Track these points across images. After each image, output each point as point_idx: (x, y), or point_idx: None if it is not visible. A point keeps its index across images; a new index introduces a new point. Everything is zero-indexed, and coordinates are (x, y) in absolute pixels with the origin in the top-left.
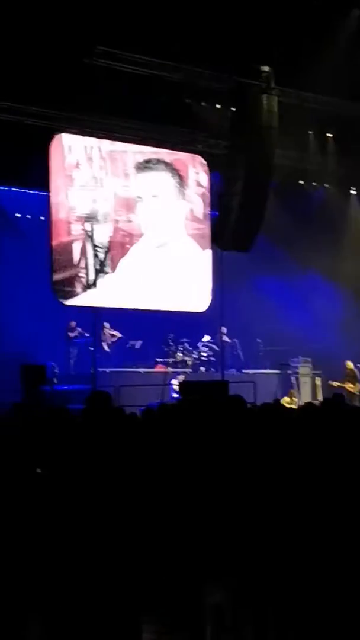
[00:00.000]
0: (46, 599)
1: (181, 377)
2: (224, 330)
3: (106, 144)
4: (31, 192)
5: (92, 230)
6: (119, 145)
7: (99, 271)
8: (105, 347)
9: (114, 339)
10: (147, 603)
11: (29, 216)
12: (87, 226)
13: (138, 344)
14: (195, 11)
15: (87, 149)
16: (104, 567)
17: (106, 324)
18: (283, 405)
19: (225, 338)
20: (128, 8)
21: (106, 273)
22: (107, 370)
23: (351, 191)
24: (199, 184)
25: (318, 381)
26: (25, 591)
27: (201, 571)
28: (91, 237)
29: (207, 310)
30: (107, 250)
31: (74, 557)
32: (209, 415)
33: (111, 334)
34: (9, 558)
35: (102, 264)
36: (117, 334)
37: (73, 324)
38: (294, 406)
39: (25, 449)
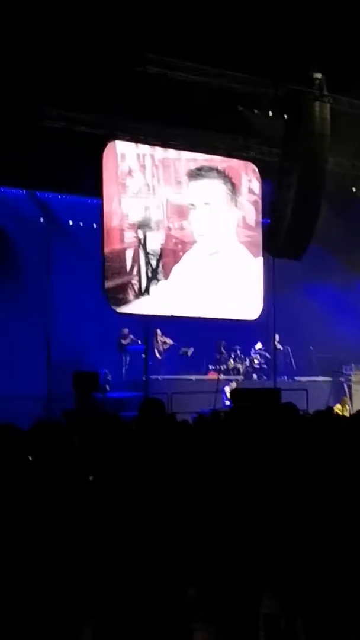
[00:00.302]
0: (99, 604)
1: (234, 385)
2: (277, 337)
3: (159, 152)
4: (84, 199)
5: (144, 238)
6: (171, 153)
7: (152, 278)
8: (157, 355)
9: (166, 347)
10: (199, 610)
11: (81, 223)
12: (140, 233)
13: (190, 351)
14: (248, 18)
15: (139, 157)
16: (157, 573)
17: (159, 331)
18: (337, 414)
19: (278, 345)
20: (180, 15)
21: (159, 280)
22: (160, 377)
23: None
24: (251, 191)
25: None
26: (78, 595)
27: (256, 579)
28: (144, 245)
29: (258, 317)
30: (160, 258)
31: (128, 562)
32: (261, 422)
33: (163, 341)
34: (63, 564)
35: (155, 271)
36: (170, 341)
37: (126, 331)
38: (346, 414)
39: (77, 456)
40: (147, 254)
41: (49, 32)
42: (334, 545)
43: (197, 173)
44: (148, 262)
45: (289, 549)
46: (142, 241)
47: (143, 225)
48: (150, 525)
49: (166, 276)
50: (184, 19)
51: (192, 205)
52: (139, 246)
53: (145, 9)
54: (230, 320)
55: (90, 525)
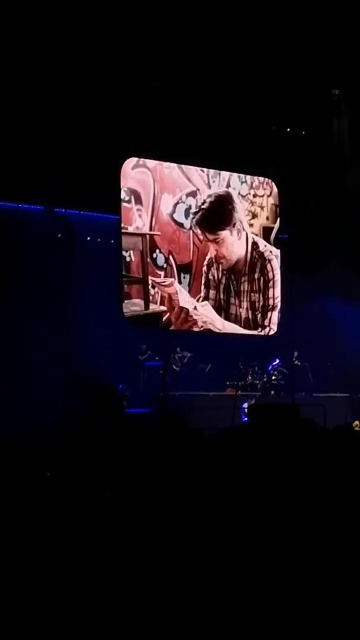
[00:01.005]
0: (113, 621)
1: (253, 402)
2: (295, 353)
3: (177, 169)
4: (102, 215)
5: (163, 254)
6: (190, 170)
7: (171, 295)
8: (175, 367)
9: (184, 360)
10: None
11: (99, 239)
12: (158, 250)
13: (207, 367)
14: (265, 34)
15: (158, 173)
16: (178, 592)
17: (178, 349)
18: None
19: (297, 362)
20: (200, 35)
21: (178, 297)
22: (177, 393)
23: None
24: (269, 208)
25: None
26: (92, 612)
27: (269, 596)
28: (163, 261)
29: (276, 333)
30: (179, 274)
31: (147, 583)
32: (279, 438)
33: (181, 355)
34: (80, 581)
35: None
36: (187, 353)
37: (144, 347)
38: None
39: (95, 472)
40: (165, 270)
41: (64, 53)
42: (353, 564)
43: (216, 190)
44: (167, 278)
45: (303, 567)
46: (161, 257)
47: (161, 241)
48: (167, 542)
49: (185, 292)
50: (204, 37)
51: (211, 222)
52: (156, 262)
53: (160, 31)
54: (248, 336)
55: (108, 542)
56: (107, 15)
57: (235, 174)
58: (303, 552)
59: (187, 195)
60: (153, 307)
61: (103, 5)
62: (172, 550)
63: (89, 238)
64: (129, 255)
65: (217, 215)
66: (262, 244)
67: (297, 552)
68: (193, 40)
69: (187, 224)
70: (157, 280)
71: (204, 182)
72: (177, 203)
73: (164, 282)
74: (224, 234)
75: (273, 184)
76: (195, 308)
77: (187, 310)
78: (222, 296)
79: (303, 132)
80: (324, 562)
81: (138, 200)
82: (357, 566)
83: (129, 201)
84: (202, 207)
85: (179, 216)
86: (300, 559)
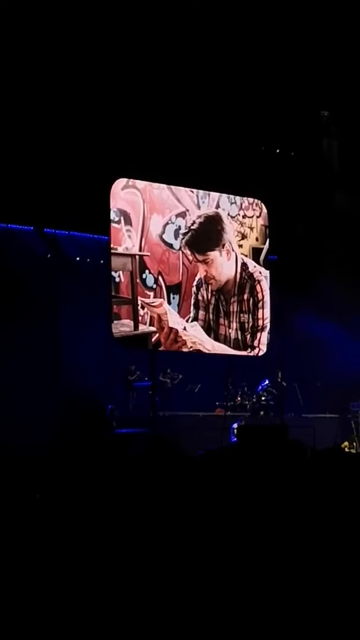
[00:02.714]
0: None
1: (243, 423)
2: (279, 374)
3: (167, 190)
4: (92, 236)
5: (152, 275)
6: (180, 191)
7: (160, 315)
8: (163, 379)
9: (174, 382)
10: None
11: (89, 259)
12: (147, 271)
13: (197, 388)
14: (255, 61)
15: (147, 194)
16: (174, 612)
17: (168, 370)
18: (346, 451)
19: (279, 380)
20: (191, 54)
21: (168, 317)
22: (167, 413)
23: None
24: (258, 228)
25: None
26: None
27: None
28: (153, 282)
29: (265, 353)
30: (168, 295)
31: (140, 603)
32: (267, 460)
33: (171, 376)
34: (74, 608)
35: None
36: (177, 375)
37: (132, 367)
38: (353, 451)
39: (85, 494)
40: (154, 290)
41: (54, 75)
42: (342, 587)
43: (205, 210)
44: (156, 299)
45: (293, 586)
46: (150, 278)
47: (151, 262)
48: (157, 561)
49: (174, 312)
50: (195, 58)
51: (201, 243)
52: (146, 283)
53: (150, 54)
54: (238, 356)
55: (100, 561)
56: (99, 38)
57: (224, 195)
58: (293, 572)
59: (177, 215)
60: (142, 328)
61: (95, 30)
62: (163, 568)
63: (78, 258)
64: (119, 276)
65: (206, 236)
66: (252, 265)
67: (287, 572)
68: (182, 63)
69: (176, 244)
70: (147, 300)
71: (193, 203)
72: (167, 224)
73: (153, 302)
74: (214, 254)
75: (262, 204)
76: (184, 328)
77: (177, 330)
78: (211, 317)
79: (292, 153)
80: (313, 581)
81: (127, 221)
82: (346, 584)
83: (118, 222)
84: (192, 227)
85: (169, 237)
86: (290, 579)
